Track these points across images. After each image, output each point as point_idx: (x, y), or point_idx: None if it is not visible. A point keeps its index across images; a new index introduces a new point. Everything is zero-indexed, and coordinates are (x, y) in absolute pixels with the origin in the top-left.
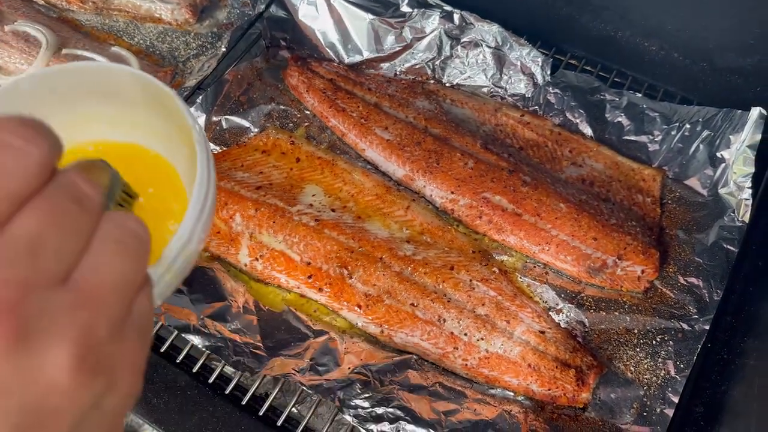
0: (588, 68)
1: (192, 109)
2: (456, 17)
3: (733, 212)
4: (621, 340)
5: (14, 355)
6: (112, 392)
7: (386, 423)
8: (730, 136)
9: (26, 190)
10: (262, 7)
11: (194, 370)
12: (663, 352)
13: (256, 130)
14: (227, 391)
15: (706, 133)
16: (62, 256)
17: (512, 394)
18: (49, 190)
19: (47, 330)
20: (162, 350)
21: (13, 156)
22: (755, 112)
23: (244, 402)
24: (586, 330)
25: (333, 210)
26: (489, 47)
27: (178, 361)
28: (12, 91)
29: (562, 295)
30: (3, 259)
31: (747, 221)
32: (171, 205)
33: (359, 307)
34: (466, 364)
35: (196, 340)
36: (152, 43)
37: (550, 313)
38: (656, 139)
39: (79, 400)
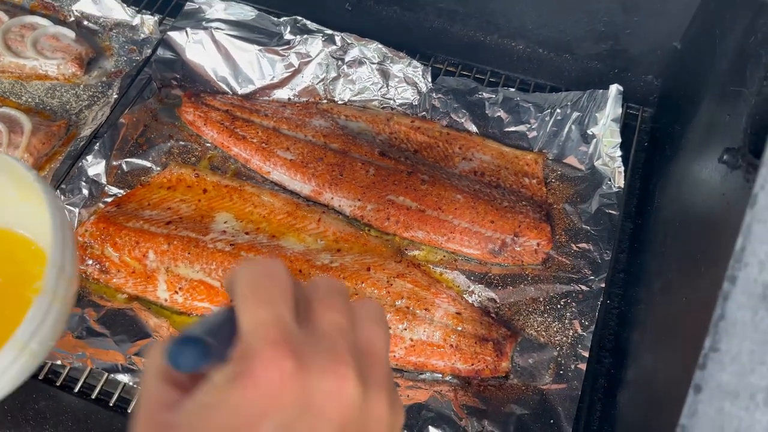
0: (465, 72)
1: (90, 157)
2: (337, 39)
3: (610, 180)
4: (529, 309)
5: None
6: (395, 411)
7: None
8: (596, 114)
9: None
10: (149, 51)
11: (129, 410)
12: (568, 314)
13: (158, 168)
14: None
15: (575, 114)
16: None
17: (440, 375)
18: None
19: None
20: (93, 396)
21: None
22: (613, 89)
23: None
24: (498, 305)
25: (247, 233)
26: (373, 64)
27: (111, 404)
28: None
29: (472, 278)
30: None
31: (622, 186)
32: (33, 271)
33: None
34: (395, 356)
35: (125, 378)
36: (42, 99)
37: (464, 295)
38: (533, 127)
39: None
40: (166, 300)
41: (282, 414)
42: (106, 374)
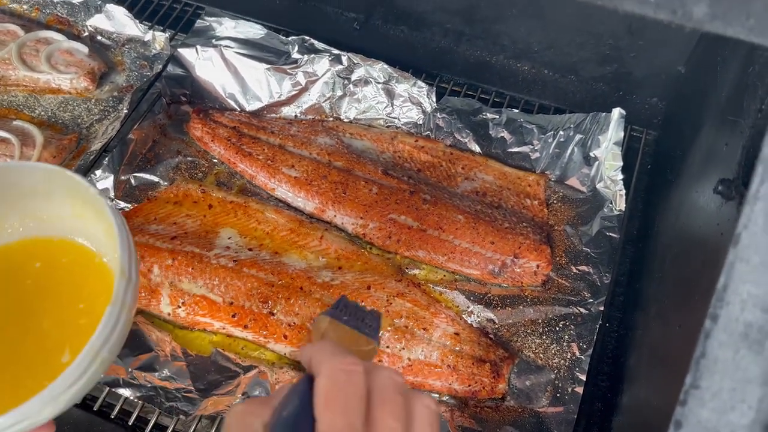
0: (470, 92)
1: (99, 171)
2: (344, 59)
3: (611, 203)
4: (528, 330)
5: None
6: None
7: None
8: (599, 137)
9: None
10: (160, 67)
11: (130, 423)
12: (566, 336)
13: (165, 183)
14: None
15: (578, 137)
16: None
17: (437, 395)
18: None
19: None
20: (95, 408)
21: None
22: (616, 112)
23: None
24: (496, 326)
25: (250, 249)
26: (378, 83)
27: (112, 416)
28: None
29: (471, 298)
30: None
31: (623, 209)
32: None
33: (285, 337)
34: None
35: (126, 392)
36: (54, 113)
37: (463, 315)
38: (536, 148)
39: None
40: (168, 314)
41: None
42: (108, 388)
